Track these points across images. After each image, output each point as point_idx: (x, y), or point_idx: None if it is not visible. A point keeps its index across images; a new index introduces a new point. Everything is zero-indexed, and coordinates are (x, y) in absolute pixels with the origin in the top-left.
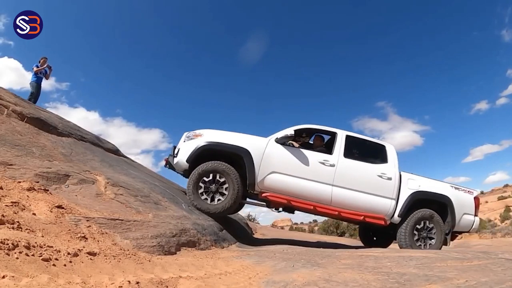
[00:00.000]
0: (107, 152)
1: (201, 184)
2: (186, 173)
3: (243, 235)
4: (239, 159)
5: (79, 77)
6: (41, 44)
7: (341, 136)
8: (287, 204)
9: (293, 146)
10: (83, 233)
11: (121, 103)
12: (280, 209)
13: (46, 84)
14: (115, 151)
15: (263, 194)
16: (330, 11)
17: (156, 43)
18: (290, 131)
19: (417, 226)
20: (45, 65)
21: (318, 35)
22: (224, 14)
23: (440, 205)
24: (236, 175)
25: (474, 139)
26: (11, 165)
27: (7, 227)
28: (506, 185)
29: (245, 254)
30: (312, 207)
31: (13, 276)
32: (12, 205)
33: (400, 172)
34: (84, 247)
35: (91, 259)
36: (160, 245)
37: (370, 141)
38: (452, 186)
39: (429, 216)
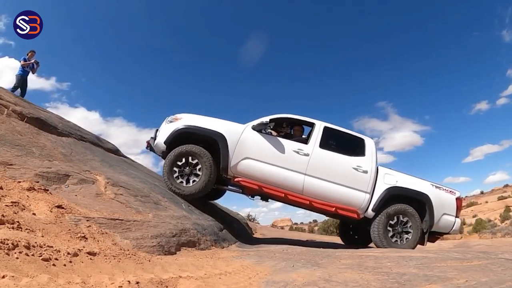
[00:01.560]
0: (107, 152)
1: (175, 168)
2: (164, 155)
3: (243, 235)
4: (215, 143)
5: (80, 77)
6: (42, 44)
7: (319, 126)
8: (258, 190)
9: (271, 134)
10: (83, 233)
11: (122, 103)
12: (257, 196)
13: (46, 84)
14: (115, 151)
15: (236, 179)
16: (332, 12)
17: (157, 44)
18: (266, 118)
19: (391, 221)
20: (33, 60)
21: (319, 36)
22: (224, 16)
23: (418, 202)
24: (209, 157)
25: (474, 139)
26: (11, 165)
27: (7, 227)
28: (506, 185)
29: (245, 254)
30: (283, 195)
31: (13, 276)
32: (12, 205)
33: (377, 167)
34: (84, 247)
35: (91, 259)
36: (160, 245)
37: (349, 134)
38: (432, 185)
39: (404, 210)
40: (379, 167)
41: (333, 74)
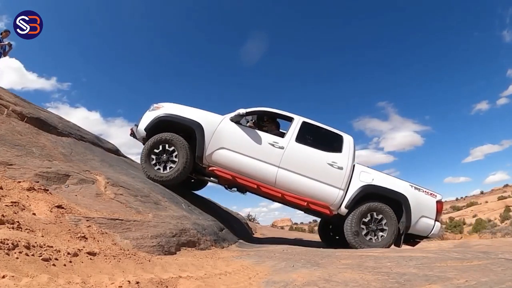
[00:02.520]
0: (107, 152)
1: (153, 156)
2: (144, 142)
3: (243, 235)
4: (192, 132)
5: (81, 77)
6: (43, 43)
7: (297, 121)
8: (232, 180)
9: (253, 127)
10: (83, 233)
11: (123, 103)
12: (234, 188)
13: (47, 84)
14: (115, 151)
15: (210, 168)
16: (334, 15)
17: (158, 46)
18: (243, 110)
19: (364, 219)
20: (6, 41)
21: (321, 38)
22: (224, 18)
23: (394, 202)
24: (185, 145)
25: (475, 139)
26: (11, 165)
27: (7, 227)
28: (506, 185)
29: (245, 254)
30: (255, 186)
31: (13, 276)
32: (12, 205)
33: (354, 164)
34: (84, 247)
35: (91, 259)
36: (160, 245)
37: (328, 130)
38: (411, 186)
39: (378, 208)
40: (356, 165)
41: (335, 75)
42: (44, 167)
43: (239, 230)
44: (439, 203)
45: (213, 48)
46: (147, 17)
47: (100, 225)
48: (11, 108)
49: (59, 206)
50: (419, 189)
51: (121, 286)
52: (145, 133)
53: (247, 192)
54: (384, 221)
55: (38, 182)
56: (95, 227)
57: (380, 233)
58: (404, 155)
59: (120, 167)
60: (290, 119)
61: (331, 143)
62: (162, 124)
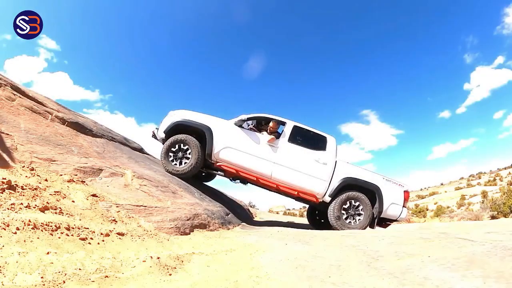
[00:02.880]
0: (133, 150)
1: (170, 154)
2: (163, 142)
3: (245, 218)
4: (203, 134)
5: (120, 89)
6: (88, 61)
7: (289, 125)
8: (235, 174)
9: (253, 130)
10: (113, 217)
11: (155, 111)
12: (237, 180)
13: (92, 96)
14: (140, 150)
15: (217, 164)
16: (322, 31)
17: (181, 63)
18: (245, 116)
19: (344, 205)
20: None
21: (310, 50)
22: (229, 34)
23: (369, 192)
24: (197, 145)
25: (437, 140)
26: (54, 161)
27: (51, 212)
28: (462, 178)
29: (247, 234)
30: (255, 179)
31: (55, 252)
32: (55, 194)
33: (336, 160)
34: (114, 228)
35: (120, 238)
36: (177, 227)
37: (315, 132)
38: (383, 178)
39: (356, 196)
40: (338, 161)
41: (326, 86)
42: (82, 163)
43: (242, 214)
44: (406, 192)
45: (222, 65)
46: (179, 39)
47: (128, 210)
48: (54, 114)
49: (93, 195)
50: (390, 180)
51: (145, 261)
52: (164, 135)
53: (248, 184)
54: (360, 207)
55: (76, 175)
56: (123, 212)
57: (357, 217)
58: (381, 153)
59: (144, 163)
60: (284, 123)
61: (317, 143)
62: (178, 128)
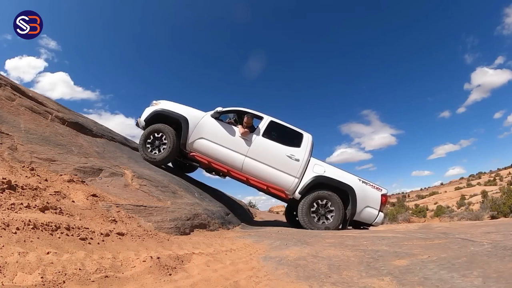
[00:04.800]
0: (133, 150)
1: (148, 141)
2: (144, 130)
3: (245, 218)
4: (180, 124)
5: (121, 89)
6: (89, 61)
7: (265, 120)
8: (208, 165)
9: (232, 123)
10: (113, 217)
11: None
12: (213, 172)
13: (92, 95)
14: None
15: (191, 154)
16: (323, 35)
17: (181, 65)
18: (220, 108)
19: (314, 204)
20: None
21: (311, 50)
22: (228, 36)
23: (342, 192)
24: (173, 133)
25: (438, 140)
26: (54, 161)
27: (51, 212)
28: (462, 178)
29: (247, 234)
30: (226, 170)
31: (56, 252)
32: (55, 194)
33: (310, 158)
34: (114, 228)
35: (120, 238)
36: (176, 227)
37: (291, 128)
38: (359, 180)
39: (326, 196)
40: (312, 158)
41: (327, 86)
42: (82, 162)
43: (242, 214)
44: (384, 196)
45: (222, 65)
46: (179, 40)
47: (128, 210)
48: (54, 114)
49: (93, 195)
50: (366, 183)
51: (145, 261)
52: (144, 123)
53: (227, 177)
54: (331, 207)
55: (76, 175)
56: (123, 212)
57: (328, 217)
58: (380, 153)
59: (144, 163)
60: (261, 118)
61: (292, 139)
62: (158, 117)
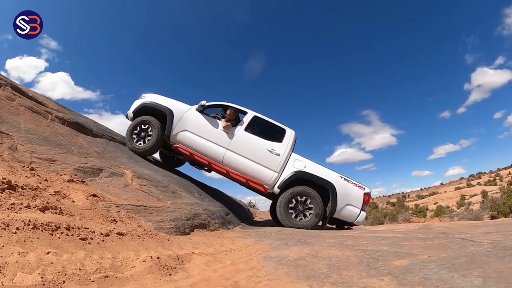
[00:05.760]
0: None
1: (134, 136)
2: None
3: (245, 218)
4: (165, 116)
5: (122, 89)
6: (91, 62)
7: (249, 115)
8: (190, 157)
9: (217, 117)
10: (113, 217)
11: None
12: (196, 166)
13: (93, 95)
14: None
15: (174, 145)
16: (323, 35)
17: (187, 63)
18: (204, 102)
19: (293, 200)
20: None
21: (311, 50)
22: (228, 36)
23: (322, 188)
24: (158, 125)
25: (438, 140)
26: (54, 161)
27: (51, 212)
28: (462, 178)
29: (247, 234)
30: (207, 163)
31: (55, 252)
32: (55, 194)
33: (291, 153)
34: (114, 228)
35: (120, 238)
36: (176, 227)
37: (274, 124)
38: (341, 177)
39: (305, 192)
40: (293, 154)
41: (327, 86)
42: (82, 163)
43: (242, 214)
44: (367, 195)
45: (223, 65)
46: (182, 39)
47: (128, 210)
48: (54, 114)
49: (93, 195)
50: (349, 180)
51: (145, 261)
52: (132, 115)
53: (212, 171)
54: (310, 204)
55: (76, 175)
56: (123, 212)
57: (306, 214)
58: (380, 153)
59: (144, 163)
60: (245, 113)
61: (275, 134)
62: (145, 109)
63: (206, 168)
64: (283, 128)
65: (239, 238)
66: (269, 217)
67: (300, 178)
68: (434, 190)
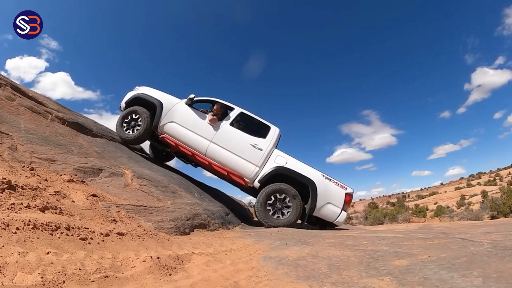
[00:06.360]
0: (133, 150)
1: (124, 124)
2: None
3: (245, 218)
4: (155, 107)
5: (122, 89)
6: (92, 63)
7: (236, 111)
8: (176, 147)
9: (204, 112)
10: (113, 217)
11: None
12: (182, 158)
13: (93, 95)
14: (140, 150)
15: (161, 136)
16: (322, 35)
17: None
18: (192, 95)
19: (272, 196)
20: None
21: (311, 50)
22: (229, 38)
23: (302, 185)
24: (148, 115)
25: (438, 140)
26: (54, 161)
27: (51, 212)
28: (462, 178)
29: (247, 234)
30: (191, 154)
31: (55, 252)
32: (55, 194)
33: (273, 149)
34: (114, 228)
35: (120, 238)
36: (176, 227)
37: (260, 121)
38: (323, 175)
39: (284, 189)
40: (276, 150)
41: (326, 86)
42: (82, 162)
43: (242, 214)
44: (348, 195)
45: (223, 65)
46: (183, 39)
47: (128, 210)
48: (54, 114)
49: (93, 195)
50: (330, 179)
51: (145, 261)
52: (125, 105)
53: (198, 167)
54: (288, 202)
55: (76, 175)
56: (123, 212)
57: (284, 212)
58: (381, 153)
59: (144, 163)
60: (232, 109)
61: (259, 130)
62: (137, 100)
63: (193, 163)
64: (268, 125)
65: (239, 238)
66: None
67: (281, 174)
68: (434, 190)
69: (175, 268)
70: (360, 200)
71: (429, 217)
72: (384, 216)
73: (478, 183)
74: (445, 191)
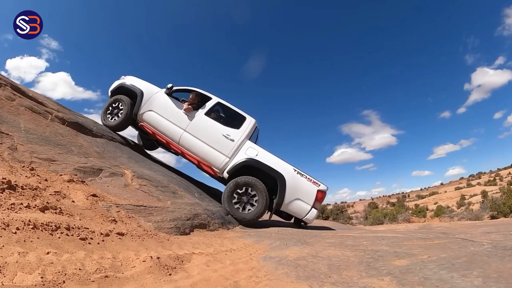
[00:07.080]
0: (133, 150)
1: (109, 108)
2: None
3: None
4: (136, 96)
5: None
6: (93, 64)
7: (212, 100)
8: (152, 135)
9: (184, 101)
10: (113, 217)
11: None
12: (165, 149)
13: (93, 95)
14: (140, 149)
15: (139, 123)
16: (324, 35)
17: (186, 63)
18: (170, 85)
19: (238, 190)
20: None
21: (311, 50)
22: (229, 37)
23: (272, 179)
24: (129, 103)
25: (438, 140)
26: (54, 161)
27: (51, 212)
28: (462, 178)
29: (247, 234)
30: (165, 142)
31: (55, 252)
32: (55, 194)
33: (246, 140)
34: (114, 228)
35: (120, 238)
36: (176, 227)
37: (236, 111)
38: (295, 170)
39: (251, 183)
40: (248, 142)
41: (327, 86)
42: (82, 162)
43: None
44: (320, 192)
45: (223, 65)
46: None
47: (128, 210)
48: (54, 114)
49: (93, 195)
50: (302, 174)
51: (145, 261)
52: (110, 94)
53: (179, 156)
54: (256, 198)
55: (76, 175)
56: (123, 212)
57: (248, 207)
58: (381, 153)
59: (144, 163)
60: (209, 99)
61: (234, 121)
62: (121, 89)
63: (172, 151)
64: (243, 116)
65: (239, 238)
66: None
67: (250, 166)
68: (434, 190)
69: (175, 268)
70: (360, 200)
71: (429, 217)
72: (384, 216)
73: (478, 183)
74: (445, 191)
